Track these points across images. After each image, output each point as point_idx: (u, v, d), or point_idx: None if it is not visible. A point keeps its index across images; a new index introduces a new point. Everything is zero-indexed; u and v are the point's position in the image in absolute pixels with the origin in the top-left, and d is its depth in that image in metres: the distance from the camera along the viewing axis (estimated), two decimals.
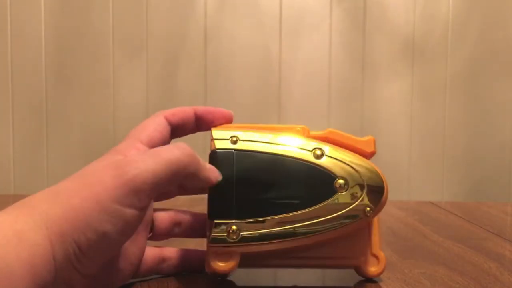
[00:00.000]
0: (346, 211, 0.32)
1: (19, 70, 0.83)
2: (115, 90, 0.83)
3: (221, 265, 0.32)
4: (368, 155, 0.35)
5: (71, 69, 0.83)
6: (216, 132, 0.34)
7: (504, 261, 0.41)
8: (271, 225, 0.32)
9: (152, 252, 0.34)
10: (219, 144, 0.33)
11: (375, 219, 0.34)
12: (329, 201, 0.32)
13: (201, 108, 0.35)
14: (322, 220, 0.32)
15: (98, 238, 0.25)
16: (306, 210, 0.32)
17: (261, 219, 0.32)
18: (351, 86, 0.87)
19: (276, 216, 0.32)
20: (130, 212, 0.26)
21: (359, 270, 0.35)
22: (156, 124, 0.33)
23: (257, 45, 0.84)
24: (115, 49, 0.83)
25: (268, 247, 0.32)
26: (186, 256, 0.36)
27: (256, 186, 0.32)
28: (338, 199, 0.32)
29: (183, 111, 0.35)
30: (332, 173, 0.33)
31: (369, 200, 0.33)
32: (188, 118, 0.35)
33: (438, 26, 0.86)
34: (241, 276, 0.36)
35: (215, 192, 0.32)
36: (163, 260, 0.35)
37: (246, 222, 0.32)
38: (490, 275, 0.37)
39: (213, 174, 0.32)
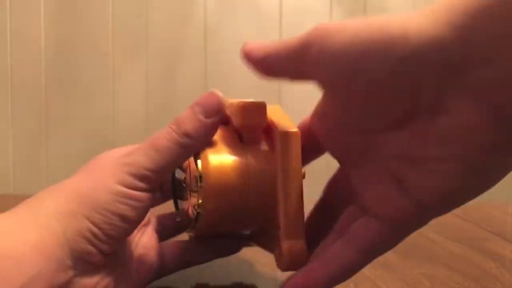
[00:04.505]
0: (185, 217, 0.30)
1: (19, 70, 0.83)
2: (115, 90, 0.83)
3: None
4: (247, 130, 0.29)
5: (70, 69, 0.83)
6: None
7: (505, 261, 0.41)
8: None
9: (173, 244, 0.34)
10: None
11: (285, 201, 0.28)
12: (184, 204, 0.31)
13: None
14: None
15: (111, 216, 0.26)
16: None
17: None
18: None
19: None
20: (137, 194, 0.26)
21: None
22: None
23: None
24: (115, 49, 0.83)
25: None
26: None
27: None
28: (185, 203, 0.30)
29: None
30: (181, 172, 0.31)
31: (200, 196, 0.28)
32: None
33: None
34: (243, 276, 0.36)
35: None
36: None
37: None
38: (491, 275, 0.37)
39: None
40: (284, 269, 0.28)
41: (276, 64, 0.27)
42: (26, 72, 0.83)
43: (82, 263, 0.25)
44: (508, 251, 0.44)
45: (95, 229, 0.25)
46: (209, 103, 0.28)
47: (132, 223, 0.27)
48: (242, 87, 0.84)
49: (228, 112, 0.29)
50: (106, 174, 0.26)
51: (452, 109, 0.22)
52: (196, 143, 0.28)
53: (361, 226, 0.26)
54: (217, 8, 0.83)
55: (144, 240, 0.32)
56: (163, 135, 0.28)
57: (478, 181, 0.24)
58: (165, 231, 0.34)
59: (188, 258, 0.34)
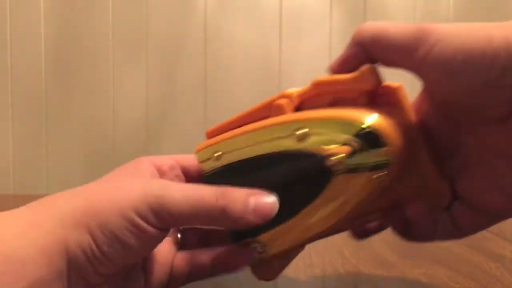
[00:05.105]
0: (354, 191, 0.26)
1: (19, 69, 0.83)
2: (115, 90, 0.83)
3: (267, 275, 0.31)
4: (368, 94, 0.28)
5: (71, 69, 0.83)
6: (200, 155, 0.32)
7: (505, 261, 0.41)
8: (287, 230, 0.28)
9: (183, 257, 0.31)
10: (205, 167, 0.31)
11: (427, 147, 0.29)
12: (328, 188, 0.26)
13: None
14: (334, 209, 0.27)
15: (114, 240, 0.24)
16: (311, 205, 0.27)
17: (275, 229, 0.29)
18: None
19: (288, 221, 0.28)
20: (149, 229, 0.25)
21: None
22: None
23: (257, 45, 0.84)
24: (115, 49, 0.83)
25: (296, 244, 0.29)
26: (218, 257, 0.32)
27: None
28: (338, 182, 0.26)
29: None
30: (321, 153, 0.26)
31: (373, 162, 0.25)
32: None
33: None
34: (240, 282, 0.36)
35: None
36: (196, 265, 0.31)
37: (264, 235, 0.29)
38: (491, 275, 0.37)
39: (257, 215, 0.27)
40: (446, 206, 0.29)
41: (385, 50, 0.28)
42: (26, 72, 0.83)
43: (78, 278, 0.24)
44: (508, 251, 0.44)
45: (96, 249, 0.24)
46: (263, 211, 0.27)
47: (136, 253, 0.26)
48: (242, 87, 0.84)
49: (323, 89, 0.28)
50: (128, 196, 0.25)
51: None
52: (225, 223, 0.26)
53: (456, 210, 0.29)
54: (217, 8, 0.83)
55: (159, 254, 0.30)
56: (206, 192, 0.26)
57: None
58: (186, 243, 0.32)
59: (197, 273, 0.31)
